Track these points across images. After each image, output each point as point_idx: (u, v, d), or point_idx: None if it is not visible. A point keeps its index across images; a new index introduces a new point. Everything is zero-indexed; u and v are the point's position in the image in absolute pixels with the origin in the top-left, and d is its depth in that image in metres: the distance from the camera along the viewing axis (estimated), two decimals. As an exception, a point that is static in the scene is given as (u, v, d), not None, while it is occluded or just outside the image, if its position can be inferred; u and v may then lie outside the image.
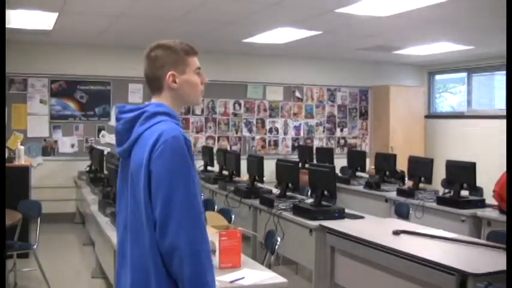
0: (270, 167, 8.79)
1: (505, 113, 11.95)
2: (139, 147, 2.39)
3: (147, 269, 2.31)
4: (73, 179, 10.99)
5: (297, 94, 13.20)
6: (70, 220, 11.03)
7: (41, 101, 11.13)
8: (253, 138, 12.83)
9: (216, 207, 7.24)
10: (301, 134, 13.22)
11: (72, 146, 11.46)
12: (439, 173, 8.00)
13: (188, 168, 2.32)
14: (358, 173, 9.90)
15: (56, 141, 11.36)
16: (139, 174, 2.32)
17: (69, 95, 11.40)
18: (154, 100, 2.58)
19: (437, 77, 14.31)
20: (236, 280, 3.98)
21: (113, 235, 5.39)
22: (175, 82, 2.54)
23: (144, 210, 2.30)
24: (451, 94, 14.14)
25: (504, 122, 11.72)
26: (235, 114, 12.64)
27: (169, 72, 2.54)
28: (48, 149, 11.29)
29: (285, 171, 7.49)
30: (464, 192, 7.43)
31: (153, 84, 2.60)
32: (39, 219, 6.98)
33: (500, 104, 12.23)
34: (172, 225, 2.24)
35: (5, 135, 10.61)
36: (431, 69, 14.18)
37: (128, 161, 2.45)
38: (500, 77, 12.40)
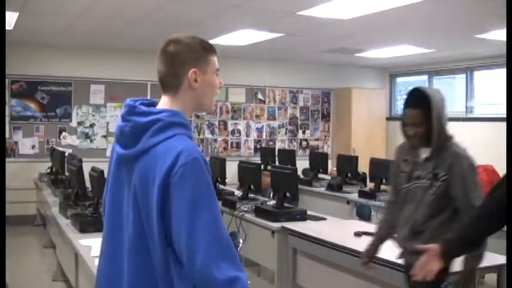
0: (232, 169, 8.79)
1: (464, 115, 12.11)
2: (150, 160, 2.19)
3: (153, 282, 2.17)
4: (34, 181, 10.86)
5: (259, 96, 13.22)
6: (31, 222, 10.90)
7: (1, 102, 11.00)
8: (215, 140, 12.82)
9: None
10: (264, 136, 13.24)
11: (33, 147, 11.34)
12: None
13: (210, 191, 2.17)
14: (320, 175, 9.94)
15: (16, 143, 11.23)
16: (149, 193, 2.15)
17: (30, 96, 11.28)
18: (166, 100, 2.37)
19: (399, 79, 14.44)
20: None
21: (74, 237, 5.35)
22: (196, 81, 2.34)
23: (157, 232, 2.14)
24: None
25: (464, 124, 11.88)
26: (197, 116, 12.61)
27: (192, 69, 2.34)
28: (9, 151, 11.16)
29: (247, 173, 7.49)
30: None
31: (169, 82, 2.36)
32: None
33: (460, 107, 12.37)
34: (201, 257, 2.08)
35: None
36: (392, 72, 14.31)
37: (129, 167, 2.27)
38: (460, 80, 12.55)
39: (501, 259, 4.26)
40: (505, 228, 2.82)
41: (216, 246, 2.10)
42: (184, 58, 2.34)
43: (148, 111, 2.27)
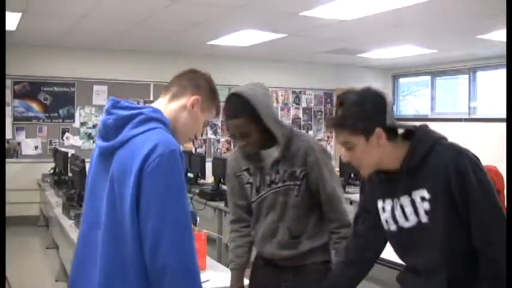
0: (235, 170, 8.80)
1: (467, 116, 12.11)
2: (127, 151, 2.25)
3: (123, 284, 2.21)
4: (37, 182, 10.88)
5: (263, 96, 13.20)
6: (34, 223, 10.91)
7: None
8: (218, 141, 12.83)
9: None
10: (267, 137, 13.21)
11: (36, 148, 11.36)
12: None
13: (182, 185, 2.24)
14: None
15: (19, 143, 11.25)
16: (125, 181, 2.19)
17: (33, 97, 11.29)
18: (159, 102, 2.50)
19: (402, 80, 14.44)
20: (202, 282, 3.97)
21: (76, 238, 5.35)
22: (192, 107, 2.47)
23: (130, 222, 2.18)
24: (415, 97, 14.28)
25: (467, 125, 11.89)
26: (200, 117, 12.60)
27: (198, 97, 2.49)
28: (11, 151, 11.17)
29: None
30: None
31: (175, 91, 2.52)
32: (1, 222, 6.90)
33: (463, 108, 12.38)
34: (165, 245, 2.14)
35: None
36: (395, 73, 14.31)
37: (109, 159, 2.31)
38: (463, 80, 12.55)
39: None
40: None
41: (181, 237, 2.18)
42: (201, 86, 2.54)
43: (130, 106, 2.36)
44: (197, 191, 8.44)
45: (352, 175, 9.25)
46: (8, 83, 11.01)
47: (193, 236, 2.26)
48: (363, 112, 2.45)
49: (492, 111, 11.59)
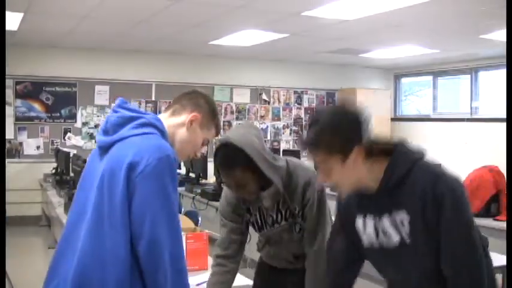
0: (237, 169, 8.80)
1: (469, 116, 12.10)
2: (123, 149, 2.31)
3: (100, 272, 2.24)
4: (38, 182, 10.89)
5: (264, 97, 13.22)
6: (35, 223, 10.91)
7: (6, 103, 11.01)
8: (220, 141, 12.79)
9: (182, 209, 7.22)
10: (268, 137, 13.23)
11: (38, 148, 11.36)
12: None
13: (175, 189, 2.32)
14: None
15: (21, 143, 11.25)
16: (117, 177, 2.25)
17: (35, 97, 11.30)
18: (164, 117, 2.57)
19: (404, 80, 14.44)
20: (203, 283, 3.97)
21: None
22: (191, 124, 2.57)
23: (121, 218, 2.23)
24: (417, 97, 14.27)
25: (469, 125, 11.88)
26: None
27: (197, 114, 2.57)
28: (13, 151, 11.18)
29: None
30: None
31: (176, 108, 2.61)
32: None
33: (465, 108, 12.37)
34: (160, 245, 2.23)
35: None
36: (397, 73, 14.30)
37: (105, 153, 2.38)
38: (465, 81, 12.54)
39: (505, 260, 4.24)
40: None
41: (174, 239, 2.28)
42: (202, 106, 2.61)
43: (135, 109, 2.48)
44: (199, 191, 8.44)
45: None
46: (10, 83, 11.02)
47: (181, 237, 2.38)
48: (338, 132, 2.34)
49: (494, 111, 11.58)
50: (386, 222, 2.47)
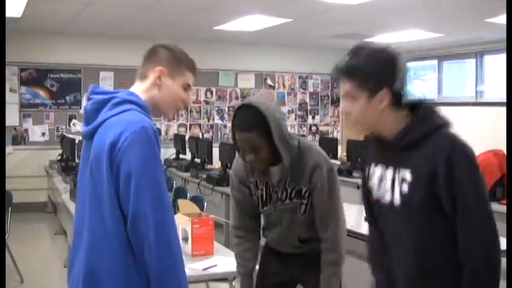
0: (242, 155, 8.80)
1: (474, 100, 12.07)
2: (103, 132, 2.34)
3: (106, 256, 2.29)
4: (44, 168, 10.92)
5: (269, 81, 13.21)
6: (41, 209, 10.97)
7: (11, 90, 11.03)
8: (225, 126, 12.82)
9: (188, 195, 7.23)
10: (273, 122, 13.19)
11: (43, 134, 11.39)
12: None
13: (157, 159, 2.31)
14: (330, 160, 9.92)
15: (26, 130, 11.28)
16: (101, 160, 2.28)
17: (39, 84, 11.32)
18: (133, 88, 2.56)
19: (408, 64, 14.37)
20: (209, 268, 3.99)
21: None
22: (159, 79, 2.53)
23: (109, 199, 2.27)
24: (422, 81, 14.24)
25: (474, 109, 11.85)
26: (207, 102, 12.63)
27: (159, 67, 2.53)
28: (19, 138, 11.21)
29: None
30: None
31: (140, 73, 2.58)
32: (10, 209, 6.92)
33: (470, 92, 12.34)
34: (145, 219, 2.23)
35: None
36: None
37: (90, 143, 2.41)
38: (470, 65, 12.50)
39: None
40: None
41: (160, 211, 2.26)
42: (160, 56, 2.57)
43: (106, 91, 2.49)
44: (204, 176, 8.46)
45: (359, 159, 9.24)
46: (15, 69, 11.05)
47: (170, 206, 2.35)
48: (374, 67, 2.37)
49: (499, 95, 11.54)
50: (389, 175, 2.47)
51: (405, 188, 2.38)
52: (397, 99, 2.39)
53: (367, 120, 2.44)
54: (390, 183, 2.45)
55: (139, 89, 2.54)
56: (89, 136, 2.41)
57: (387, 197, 2.47)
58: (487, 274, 2.31)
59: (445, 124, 2.40)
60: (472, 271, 2.31)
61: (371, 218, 2.70)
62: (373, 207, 2.64)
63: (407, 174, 2.38)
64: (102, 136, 2.32)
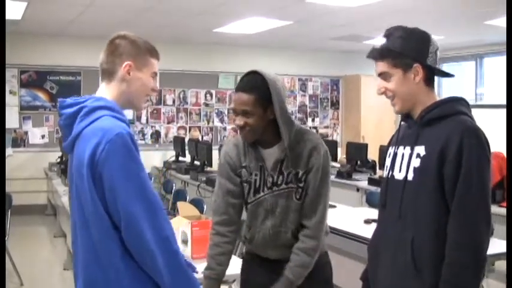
0: (241, 157, 8.79)
1: (474, 102, 12.07)
2: (81, 145, 2.33)
3: (98, 268, 2.32)
4: (44, 171, 10.92)
5: (269, 84, 13.19)
6: (41, 212, 10.96)
7: (11, 92, 11.03)
8: (224, 128, 12.82)
9: (187, 197, 7.24)
10: (273, 124, 13.18)
11: (43, 137, 11.38)
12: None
13: (137, 163, 2.31)
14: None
15: (26, 132, 11.27)
16: (82, 173, 2.28)
17: (39, 86, 11.31)
18: (101, 88, 2.55)
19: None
20: (208, 270, 3.98)
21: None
22: (128, 74, 2.50)
23: (93, 212, 2.28)
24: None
25: (473, 111, 11.80)
26: (206, 105, 12.62)
27: (127, 62, 2.49)
28: (18, 140, 11.20)
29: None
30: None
31: (106, 70, 2.53)
32: (9, 211, 6.92)
33: (470, 94, 12.33)
34: (137, 225, 2.25)
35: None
36: (401, 59, 14.26)
37: (71, 156, 2.43)
38: (470, 67, 12.50)
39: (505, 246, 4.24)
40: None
41: (150, 211, 2.28)
42: (124, 50, 2.51)
43: (73, 102, 2.48)
44: (204, 178, 8.46)
45: (358, 162, 9.25)
46: (15, 72, 11.04)
47: (159, 203, 2.36)
48: (406, 45, 2.52)
49: (499, 97, 11.54)
50: (406, 153, 2.56)
51: (417, 163, 2.49)
52: (430, 74, 2.56)
53: (403, 94, 2.56)
54: (407, 159, 2.54)
55: (108, 89, 2.52)
56: (69, 149, 2.43)
57: (402, 173, 2.56)
58: (474, 269, 2.35)
59: (467, 114, 2.54)
60: (457, 263, 2.35)
61: (385, 199, 2.71)
62: (388, 185, 2.67)
63: (421, 150, 2.48)
64: (81, 148, 2.32)
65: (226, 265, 3.22)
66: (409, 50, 2.52)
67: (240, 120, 3.01)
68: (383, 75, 2.56)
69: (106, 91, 2.51)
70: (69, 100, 2.51)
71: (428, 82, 2.57)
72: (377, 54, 2.57)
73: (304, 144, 3.06)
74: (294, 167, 3.06)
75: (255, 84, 2.99)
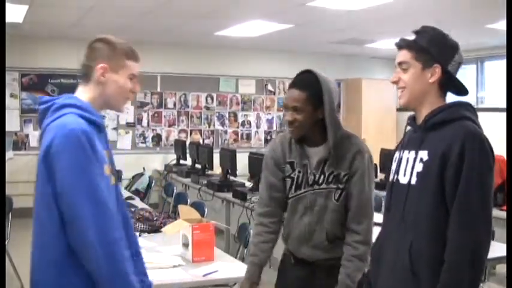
0: (242, 160, 8.78)
1: (475, 106, 12.03)
2: (42, 139, 2.41)
3: (50, 267, 2.34)
4: (44, 173, 10.91)
5: (269, 87, 13.20)
6: (42, 215, 10.94)
7: (12, 95, 11.03)
8: (225, 132, 12.82)
9: (188, 200, 7.24)
10: (274, 127, 13.21)
11: (44, 140, 11.37)
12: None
13: (87, 159, 2.32)
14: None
15: (27, 135, 11.26)
16: (39, 166, 2.37)
17: (40, 89, 11.29)
18: (78, 89, 2.58)
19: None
20: (209, 273, 3.98)
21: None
22: (103, 76, 2.53)
23: (47, 206, 2.32)
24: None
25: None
26: (207, 108, 12.62)
27: (101, 65, 2.53)
28: (19, 143, 11.20)
29: (258, 164, 7.47)
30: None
31: (82, 72, 2.59)
32: (10, 214, 6.92)
33: (471, 98, 12.32)
34: (81, 223, 2.26)
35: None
36: (402, 63, 14.25)
37: None
38: (469, 71, 12.50)
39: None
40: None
41: (97, 211, 2.29)
42: (99, 54, 2.57)
43: (48, 99, 2.54)
44: (205, 182, 8.46)
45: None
46: (16, 75, 11.04)
47: (107, 203, 2.35)
48: (434, 44, 2.57)
49: (500, 101, 11.54)
50: (411, 157, 2.55)
51: (420, 167, 2.48)
52: (446, 80, 2.57)
53: (414, 90, 2.57)
54: (411, 164, 2.54)
55: (84, 91, 2.56)
56: (40, 144, 2.48)
57: (406, 178, 2.55)
58: (472, 273, 2.34)
59: (472, 118, 2.53)
60: (455, 267, 2.34)
61: (389, 202, 2.71)
62: (392, 189, 2.68)
63: (425, 155, 2.47)
64: (42, 143, 2.39)
65: (269, 252, 3.40)
66: (434, 48, 2.56)
67: (290, 116, 3.13)
68: (402, 65, 2.60)
69: (82, 93, 2.54)
70: (45, 97, 2.58)
71: (442, 87, 2.58)
72: (403, 43, 2.66)
73: (348, 147, 3.17)
74: (336, 168, 3.17)
75: (308, 82, 3.14)
